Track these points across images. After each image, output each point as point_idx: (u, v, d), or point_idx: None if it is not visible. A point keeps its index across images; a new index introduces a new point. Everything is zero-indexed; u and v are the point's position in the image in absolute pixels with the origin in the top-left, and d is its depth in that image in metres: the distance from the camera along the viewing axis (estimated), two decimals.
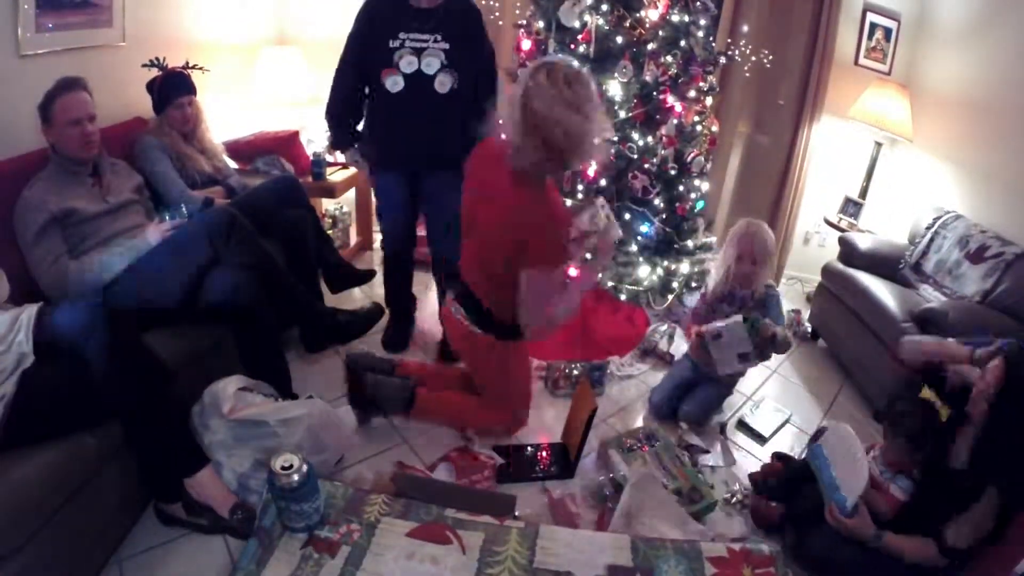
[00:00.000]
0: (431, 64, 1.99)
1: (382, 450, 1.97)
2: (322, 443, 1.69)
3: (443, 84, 2.01)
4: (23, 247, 1.71)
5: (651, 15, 2.42)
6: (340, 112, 2.18)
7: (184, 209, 1.97)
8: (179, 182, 2.27)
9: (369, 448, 1.97)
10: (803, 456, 2.05)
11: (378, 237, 3.44)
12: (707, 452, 2.09)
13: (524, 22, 2.69)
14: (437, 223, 2.30)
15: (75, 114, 1.76)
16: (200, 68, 2.43)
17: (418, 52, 1.98)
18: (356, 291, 2.79)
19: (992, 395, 1.43)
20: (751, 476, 1.96)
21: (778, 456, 2.07)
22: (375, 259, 3.31)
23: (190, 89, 2.36)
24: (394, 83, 2.00)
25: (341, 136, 2.25)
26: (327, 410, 1.77)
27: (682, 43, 2.53)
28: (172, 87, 2.31)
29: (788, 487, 1.81)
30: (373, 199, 2.74)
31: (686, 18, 2.51)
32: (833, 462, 1.65)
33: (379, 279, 2.59)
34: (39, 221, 1.70)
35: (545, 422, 2.17)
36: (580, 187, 2.59)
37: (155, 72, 2.31)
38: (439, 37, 1.99)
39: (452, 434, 2.06)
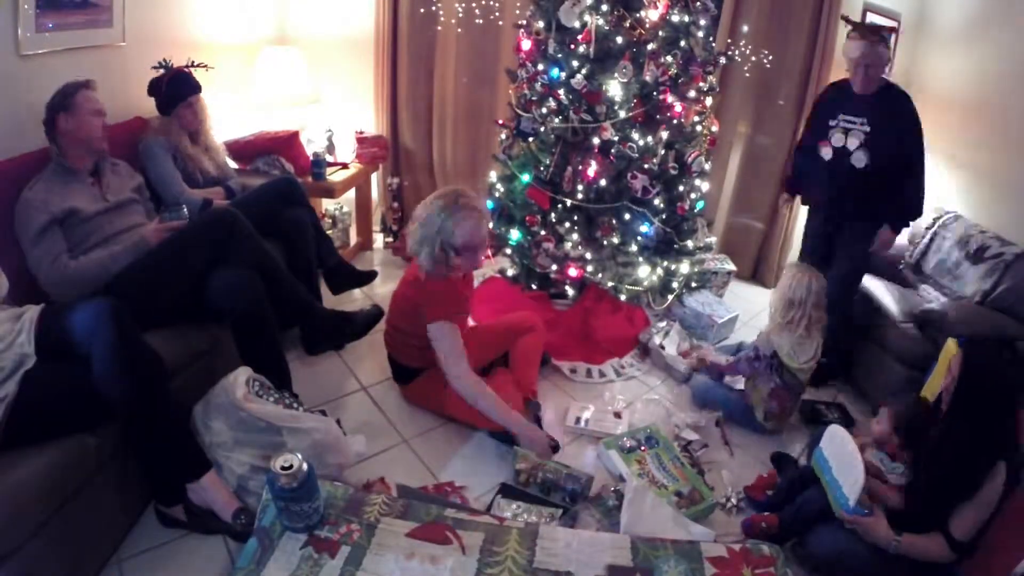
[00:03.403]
0: (852, 143, 2.24)
1: (383, 449, 1.98)
2: (324, 461, 1.67)
3: (859, 160, 2.23)
4: (24, 247, 1.72)
5: (651, 15, 2.42)
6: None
7: (184, 210, 1.97)
8: (181, 185, 2.27)
9: (370, 448, 1.96)
10: (801, 458, 2.05)
11: (378, 237, 3.48)
12: (705, 446, 2.09)
13: (524, 22, 2.69)
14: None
15: (97, 105, 1.85)
16: (204, 66, 2.42)
17: (846, 131, 2.26)
18: (356, 292, 2.79)
19: (954, 385, 1.54)
20: (746, 490, 1.93)
21: (775, 458, 2.06)
22: (375, 259, 3.31)
23: (197, 87, 2.37)
24: (825, 152, 2.31)
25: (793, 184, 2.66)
26: (337, 433, 1.76)
27: (682, 43, 2.53)
28: (181, 86, 2.31)
29: (787, 493, 1.80)
30: None
31: (686, 18, 2.51)
32: (832, 464, 1.66)
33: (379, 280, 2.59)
34: (40, 221, 1.70)
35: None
36: (580, 187, 2.59)
37: (155, 74, 2.30)
38: (865, 121, 2.22)
39: (449, 433, 2.06)
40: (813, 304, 2.05)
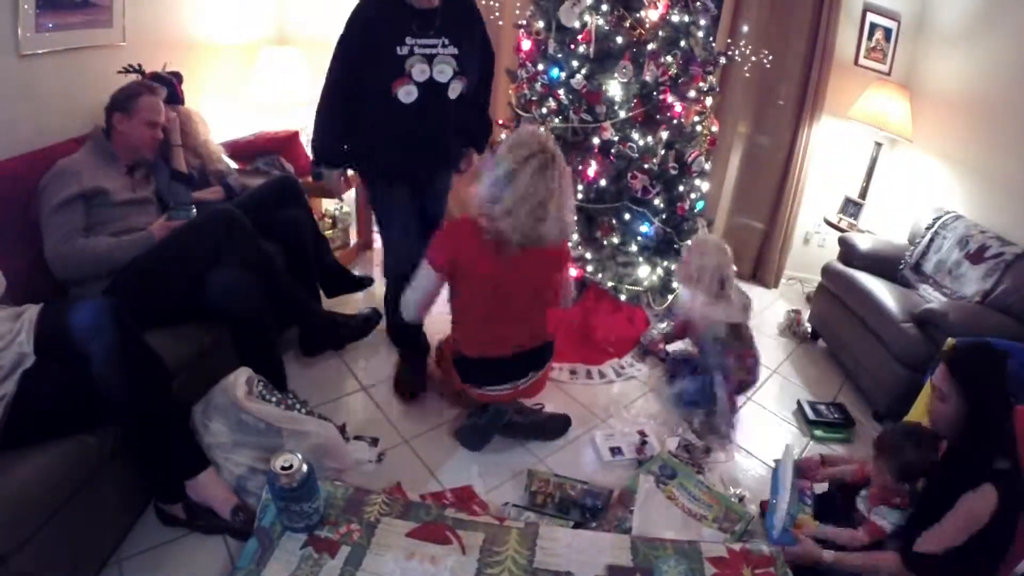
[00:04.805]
0: (444, 71, 1.91)
1: (383, 450, 1.97)
2: (323, 466, 1.67)
3: (455, 90, 1.98)
4: (41, 215, 1.73)
5: (651, 15, 2.42)
6: (341, 133, 2.03)
7: (193, 210, 1.98)
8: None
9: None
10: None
11: (378, 238, 3.45)
12: (709, 450, 2.09)
13: (524, 22, 2.69)
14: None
15: (156, 116, 1.96)
16: (175, 73, 2.36)
17: (429, 59, 1.88)
18: (356, 293, 2.78)
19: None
20: (762, 506, 1.81)
21: None
22: (375, 259, 3.31)
23: (175, 98, 2.28)
24: (407, 93, 1.89)
25: (335, 157, 2.10)
26: (337, 438, 1.75)
27: (682, 43, 2.53)
28: (170, 88, 2.28)
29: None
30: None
31: (686, 18, 2.51)
32: (778, 485, 1.67)
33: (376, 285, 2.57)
34: (68, 191, 1.73)
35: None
36: (580, 187, 2.59)
37: (124, 80, 2.20)
38: (447, 41, 1.90)
39: (449, 433, 2.06)
40: (719, 263, 2.14)
